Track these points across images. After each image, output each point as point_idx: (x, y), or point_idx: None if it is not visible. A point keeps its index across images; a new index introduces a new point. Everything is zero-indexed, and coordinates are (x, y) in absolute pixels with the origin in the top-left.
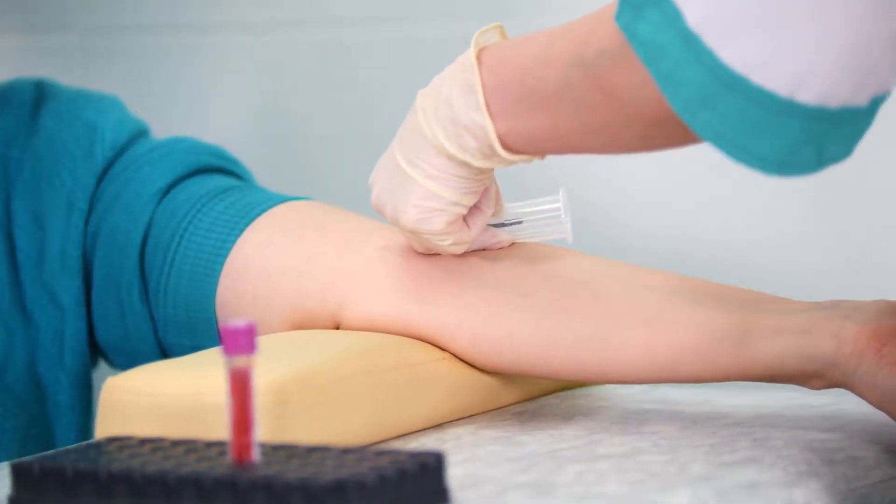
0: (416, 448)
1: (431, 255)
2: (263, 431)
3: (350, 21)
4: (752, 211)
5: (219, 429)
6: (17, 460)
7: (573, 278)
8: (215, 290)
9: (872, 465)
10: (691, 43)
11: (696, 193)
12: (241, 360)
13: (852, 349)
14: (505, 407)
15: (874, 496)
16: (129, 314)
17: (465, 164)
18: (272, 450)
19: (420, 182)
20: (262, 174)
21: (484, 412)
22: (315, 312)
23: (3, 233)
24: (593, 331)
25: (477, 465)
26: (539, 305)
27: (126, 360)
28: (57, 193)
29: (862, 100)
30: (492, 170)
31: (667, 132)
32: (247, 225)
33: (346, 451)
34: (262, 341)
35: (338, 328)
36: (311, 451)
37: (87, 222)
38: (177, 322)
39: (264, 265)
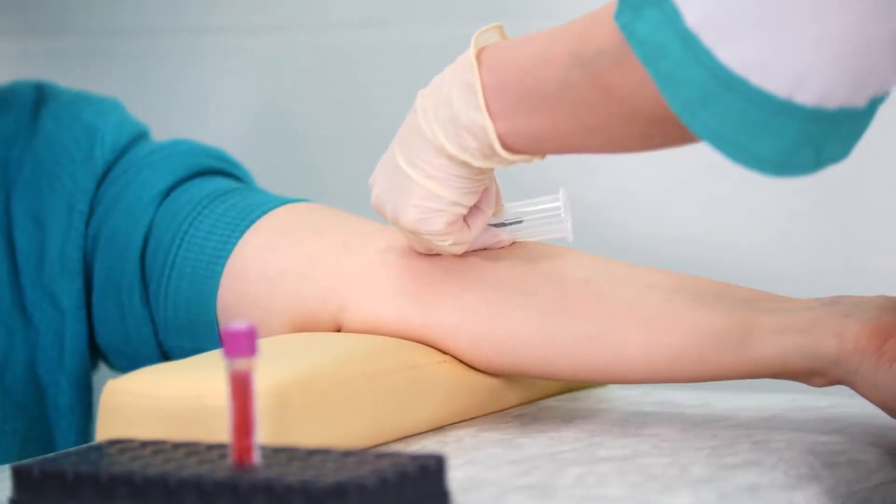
0: (417, 451)
1: (432, 255)
2: (264, 434)
3: (349, 23)
4: (751, 211)
5: (219, 431)
6: (17, 463)
7: (574, 278)
8: (216, 293)
9: (874, 467)
10: (690, 43)
11: (696, 193)
12: (241, 363)
13: (854, 346)
14: (505, 410)
15: (875, 499)
16: (129, 316)
17: (465, 164)
18: (273, 452)
19: (420, 182)
20: (262, 176)
21: (484, 415)
22: (316, 315)
23: (3, 235)
24: (594, 330)
25: (477, 467)
26: (540, 305)
27: (126, 363)
28: (57, 196)
29: (860, 101)
30: (492, 170)
31: (666, 131)
32: (247, 227)
33: (347, 454)
34: (263, 344)
35: (338, 330)
36: (312, 453)
37: (87, 224)
38: (177, 324)
39: (265, 267)
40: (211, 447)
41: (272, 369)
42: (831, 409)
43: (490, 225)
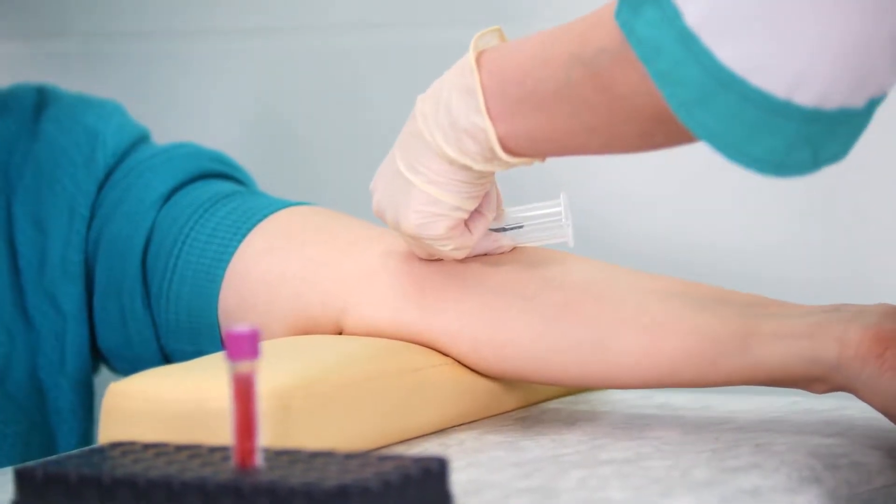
0: (420, 453)
1: (433, 260)
2: (267, 437)
3: (349, 26)
4: (752, 216)
5: (222, 434)
6: (20, 465)
7: (575, 283)
8: (217, 296)
9: (875, 470)
10: (689, 42)
11: (696, 198)
12: (244, 366)
13: (855, 352)
14: (508, 412)
15: (877, 501)
16: (131, 320)
17: (465, 168)
18: (275, 455)
19: (421, 187)
20: (262, 179)
21: (487, 417)
22: (317, 318)
23: (5, 238)
24: (595, 336)
25: (480, 470)
26: (541, 310)
27: (128, 366)
28: (58, 199)
29: (859, 101)
30: (493, 174)
31: (666, 130)
32: (249, 230)
33: (350, 457)
34: (265, 346)
35: (340, 334)
36: (315, 456)
37: (88, 228)
38: (179, 328)
39: (266, 271)
40: (213, 450)
41: (275, 372)
42: (833, 412)
43: (491, 230)
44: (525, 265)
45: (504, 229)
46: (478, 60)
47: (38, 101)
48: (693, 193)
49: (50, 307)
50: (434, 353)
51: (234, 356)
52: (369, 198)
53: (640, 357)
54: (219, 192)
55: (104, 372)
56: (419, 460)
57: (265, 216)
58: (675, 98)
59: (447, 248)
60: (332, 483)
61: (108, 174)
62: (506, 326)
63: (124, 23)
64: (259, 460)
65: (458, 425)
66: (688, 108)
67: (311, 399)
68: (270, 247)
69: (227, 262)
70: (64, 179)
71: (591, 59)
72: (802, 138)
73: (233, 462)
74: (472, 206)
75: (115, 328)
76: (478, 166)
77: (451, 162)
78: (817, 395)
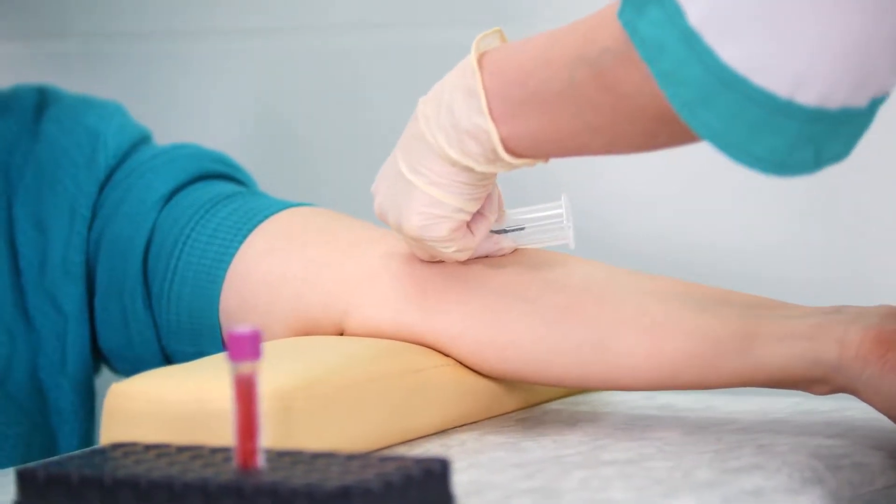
0: (421, 454)
1: (435, 262)
2: (268, 437)
3: (349, 26)
4: (753, 217)
5: (223, 435)
6: (22, 466)
7: (576, 285)
8: (218, 297)
9: (878, 471)
10: (692, 42)
11: (698, 199)
12: (246, 367)
13: (855, 353)
14: (509, 413)
15: (879, 502)
16: (132, 321)
17: (468, 170)
18: (277, 456)
19: (423, 189)
20: (262, 179)
21: (488, 418)
22: (318, 319)
23: (6, 239)
24: (597, 337)
25: (481, 471)
26: (543, 312)
27: (129, 367)
28: (59, 200)
29: (861, 101)
30: (495, 175)
31: (669, 130)
32: (250, 231)
33: (352, 457)
34: (267, 347)
35: (341, 335)
36: (317, 457)
37: (89, 229)
38: (180, 328)
39: (267, 272)
40: (215, 450)
41: (276, 373)
42: (835, 413)
43: (492, 232)
44: (527, 267)
45: (505, 231)
46: (479, 62)
47: (39, 102)
48: (693, 194)
49: (51, 308)
50: (435, 353)
51: (235, 357)
52: (370, 198)
53: (640, 359)
54: (220, 192)
55: (105, 373)
56: (421, 461)
57: (266, 217)
58: (678, 98)
59: (449, 250)
60: (333, 484)
61: (110, 175)
62: (507, 328)
63: (124, 23)
64: (261, 461)
65: (459, 426)
66: (691, 108)
67: (312, 400)
68: (271, 248)
69: (229, 262)
70: (65, 180)
71: (595, 59)
72: (804, 138)
73: (234, 463)
74: (474, 207)
75: (117, 329)
76: (480, 168)
77: (454, 163)
78: (819, 396)
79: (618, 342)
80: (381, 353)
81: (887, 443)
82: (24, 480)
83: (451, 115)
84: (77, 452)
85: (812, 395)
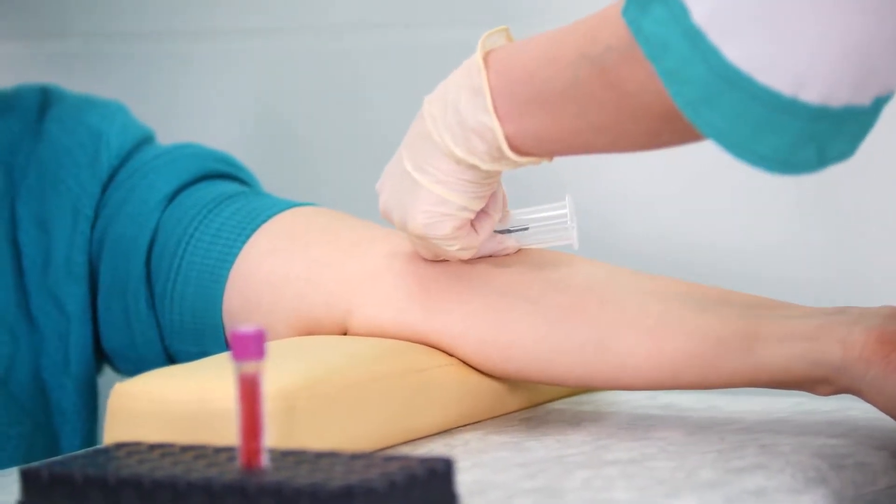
0: (425, 454)
1: (438, 261)
2: (272, 437)
3: (349, 26)
4: (753, 217)
5: (227, 434)
6: (25, 466)
7: (580, 285)
8: (222, 297)
9: (880, 470)
10: (696, 40)
11: (698, 199)
12: (250, 366)
13: (859, 354)
14: (512, 413)
15: (882, 502)
16: (135, 320)
17: (473, 168)
18: (281, 455)
19: (428, 187)
20: (262, 179)
21: (491, 418)
22: (321, 319)
23: (9, 239)
24: (599, 337)
25: (485, 470)
26: (546, 312)
27: (132, 367)
28: (62, 200)
29: (865, 99)
30: (499, 173)
31: (673, 128)
32: (253, 231)
33: (355, 457)
34: (271, 347)
35: (345, 334)
36: (320, 456)
37: (92, 229)
38: (183, 328)
39: (270, 272)
40: (219, 450)
41: (279, 372)
42: (837, 413)
43: (496, 231)
44: (530, 267)
45: (509, 231)
46: (485, 60)
47: (42, 102)
48: (694, 194)
49: (54, 308)
50: (439, 353)
51: (239, 357)
52: (370, 198)
53: (642, 359)
54: (223, 192)
55: (108, 372)
56: (425, 461)
57: (269, 217)
58: (682, 96)
59: (453, 249)
60: (337, 483)
61: (112, 175)
62: (510, 328)
63: (125, 23)
64: (265, 461)
65: (463, 426)
66: (694, 107)
67: (315, 400)
68: (274, 248)
69: (232, 262)
70: (68, 180)
71: (599, 57)
72: (807, 136)
73: (238, 462)
74: (478, 206)
75: (119, 329)
76: (485, 166)
77: (459, 162)
78: (821, 396)
79: (619, 342)
80: (385, 353)
81: (890, 442)
82: (27, 480)
83: (457, 114)
84: (80, 452)
85: (815, 396)
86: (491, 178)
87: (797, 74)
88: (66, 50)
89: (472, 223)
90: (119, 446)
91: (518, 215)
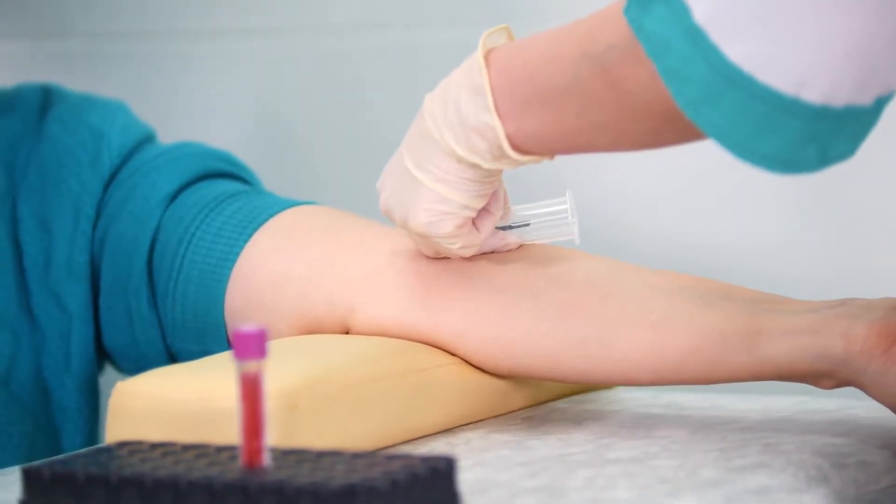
0: (427, 452)
1: (440, 259)
2: (274, 436)
3: (349, 26)
4: (756, 213)
5: (228, 433)
6: (27, 465)
7: (581, 280)
8: (223, 296)
9: (883, 469)
10: (697, 39)
11: (701, 195)
12: (251, 365)
13: (861, 347)
14: (514, 411)
15: (884, 501)
16: (136, 319)
17: (474, 167)
18: (283, 454)
19: (429, 186)
20: (263, 178)
21: (493, 416)
22: (323, 318)
23: (10, 238)
24: (602, 333)
25: (486, 469)
26: (547, 308)
27: (133, 366)
28: (63, 199)
29: (866, 99)
30: (500, 172)
31: (674, 127)
32: (255, 230)
33: (357, 456)
34: (272, 346)
35: (346, 333)
36: (322, 455)
37: (94, 228)
38: (185, 327)
39: (272, 270)
40: (220, 449)
41: (281, 372)
42: (840, 412)
43: (497, 228)
44: (532, 263)
45: (511, 227)
46: (486, 59)
47: (44, 101)
48: (696, 192)
49: (55, 307)
50: (440, 352)
51: (241, 356)
52: (370, 197)
53: (645, 354)
54: (224, 191)
55: (110, 371)
56: (427, 459)
57: (271, 216)
58: (683, 95)
59: (455, 247)
60: (339, 482)
61: (114, 174)
62: (513, 324)
63: (125, 23)
64: (266, 460)
65: (465, 424)
66: (695, 106)
67: (317, 399)
68: (276, 246)
69: (233, 261)
70: (69, 179)
71: (600, 55)
72: (808, 136)
73: (240, 461)
74: (480, 204)
75: (121, 328)
76: (487, 164)
77: (460, 160)
78: (824, 394)
79: (622, 337)
80: (386, 352)
81: (892, 441)
82: (29, 479)
83: (459, 113)
84: (82, 451)
85: (817, 394)
86: (492, 176)
87: (798, 74)
88: (66, 49)
89: (474, 221)
90: (121, 445)
91: (519, 211)
